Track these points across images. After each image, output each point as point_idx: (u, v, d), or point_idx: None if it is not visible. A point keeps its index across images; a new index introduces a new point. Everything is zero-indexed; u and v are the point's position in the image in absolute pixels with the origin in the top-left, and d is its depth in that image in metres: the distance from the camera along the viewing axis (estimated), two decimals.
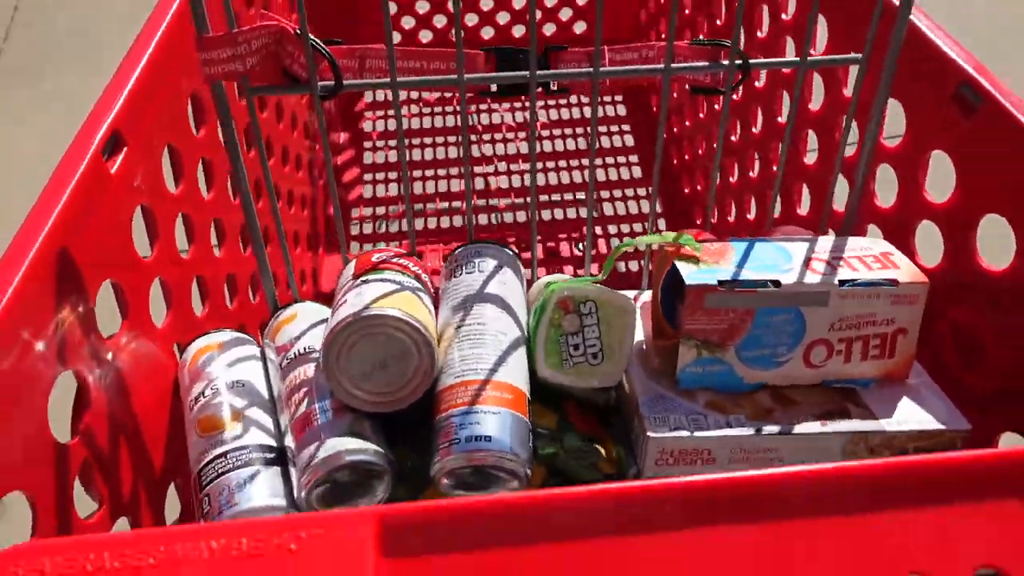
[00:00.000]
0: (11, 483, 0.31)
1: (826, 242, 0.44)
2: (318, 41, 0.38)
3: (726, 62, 0.43)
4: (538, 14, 1.03)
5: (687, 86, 0.45)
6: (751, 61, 0.43)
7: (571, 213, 0.97)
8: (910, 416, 0.41)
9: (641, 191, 1.00)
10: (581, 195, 0.98)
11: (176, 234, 0.48)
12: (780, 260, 0.42)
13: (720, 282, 0.40)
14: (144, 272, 0.44)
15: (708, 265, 0.41)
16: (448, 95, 1.05)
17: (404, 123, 1.04)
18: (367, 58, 0.40)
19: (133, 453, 0.41)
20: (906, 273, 0.41)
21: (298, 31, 0.38)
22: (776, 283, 0.40)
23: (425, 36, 1.03)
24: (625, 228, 0.96)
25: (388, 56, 0.39)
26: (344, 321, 0.39)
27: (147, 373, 0.43)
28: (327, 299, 0.88)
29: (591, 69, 0.41)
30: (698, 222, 0.92)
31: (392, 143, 1.03)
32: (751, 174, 0.76)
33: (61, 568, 0.18)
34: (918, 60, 0.47)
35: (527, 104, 1.06)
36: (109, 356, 0.40)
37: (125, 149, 0.41)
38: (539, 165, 1.01)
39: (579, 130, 1.05)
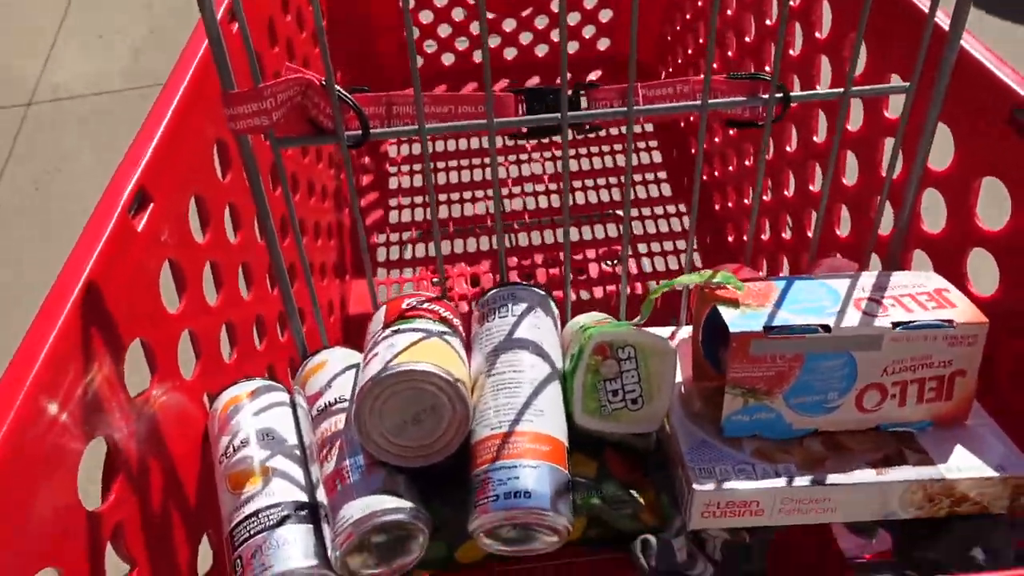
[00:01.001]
0: (42, 560, 0.31)
1: (874, 278, 0.42)
2: (343, 91, 0.37)
3: (765, 95, 0.41)
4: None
5: (725, 121, 0.43)
6: (791, 94, 0.41)
7: (599, 232, 0.95)
8: (970, 461, 0.39)
9: (670, 208, 0.98)
10: (608, 212, 0.96)
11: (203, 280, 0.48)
12: (827, 301, 0.40)
13: (766, 328, 0.38)
14: (173, 326, 0.43)
15: (751, 308, 0.40)
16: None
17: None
18: (394, 104, 0.39)
19: (164, 511, 0.40)
20: (964, 313, 0.39)
21: (323, 82, 0.37)
22: (825, 327, 0.38)
23: (448, 59, 1.02)
24: (656, 247, 0.94)
25: (416, 103, 0.38)
26: (375, 377, 0.38)
27: (177, 427, 0.43)
28: (355, 323, 0.88)
29: (625, 108, 0.40)
30: (730, 239, 0.90)
31: (416, 167, 1.02)
32: (786, 192, 0.74)
33: None
34: (968, 84, 0.45)
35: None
36: (139, 415, 0.39)
37: (151, 205, 0.40)
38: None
39: (604, 148, 1.04)
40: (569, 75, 1.04)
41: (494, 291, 0.46)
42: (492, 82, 0.37)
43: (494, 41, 1.01)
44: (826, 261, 0.47)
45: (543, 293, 0.46)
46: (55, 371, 0.32)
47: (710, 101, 0.41)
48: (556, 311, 0.46)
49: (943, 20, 0.41)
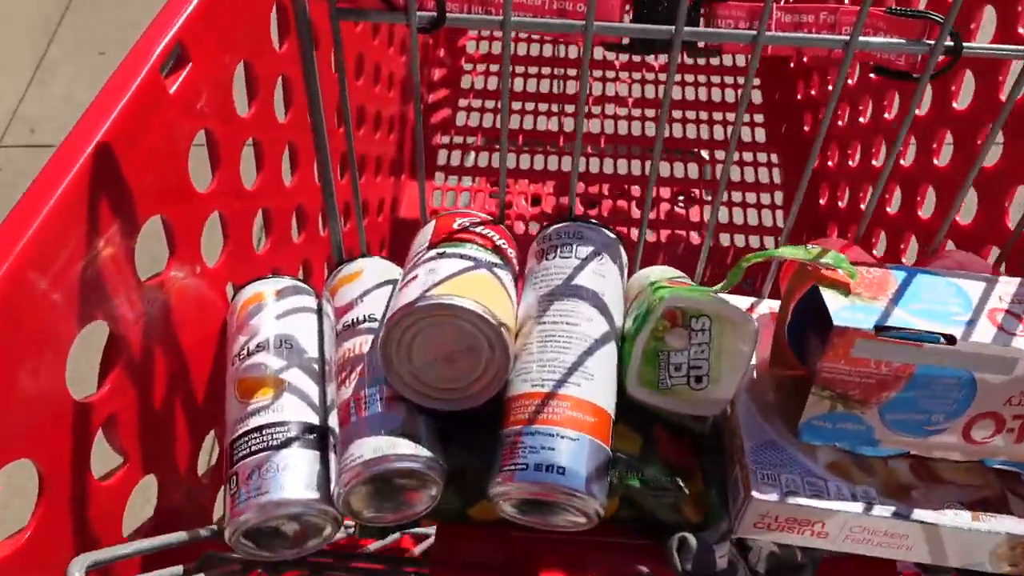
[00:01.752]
0: (17, 451, 0.27)
1: (1017, 286, 0.35)
2: None
3: (930, 42, 0.33)
4: None
5: (873, 67, 0.36)
6: (965, 45, 0.33)
7: (678, 170, 0.88)
8: None
9: (761, 156, 0.89)
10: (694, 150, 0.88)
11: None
12: (955, 305, 0.33)
13: (877, 327, 0.31)
14: (200, 205, 0.39)
15: (862, 300, 0.33)
16: None
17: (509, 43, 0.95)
18: None
19: (167, 406, 0.37)
20: None
21: None
22: (950, 338, 0.31)
23: None
24: (736, 196, 0.86)
25: None
26: (410, 304, 0.33)
27: (193, 316, 0.39)
28: (405, 226, 0.83)
29: (754, 32, 0.32)
30: (821, 201, 0.82)
31: (494, 68, 0.94)
32: (903, 162, 0.65)
33: None
34: None
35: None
36: (149, 300, 0.35)
37: (189, 65, 0.35)
38: (652, 113, 0.91)
39: (701, 78, 0.94)
40: None
41: (557, 226, 0.40)
42: None
43: None
44: (954, 253, 0.40)
45: (614, 236, 0.40)
46: (50, 243, 0.28)
47: (860, 39, 0.33)
48: (625, 258, 0.40)
49: None
